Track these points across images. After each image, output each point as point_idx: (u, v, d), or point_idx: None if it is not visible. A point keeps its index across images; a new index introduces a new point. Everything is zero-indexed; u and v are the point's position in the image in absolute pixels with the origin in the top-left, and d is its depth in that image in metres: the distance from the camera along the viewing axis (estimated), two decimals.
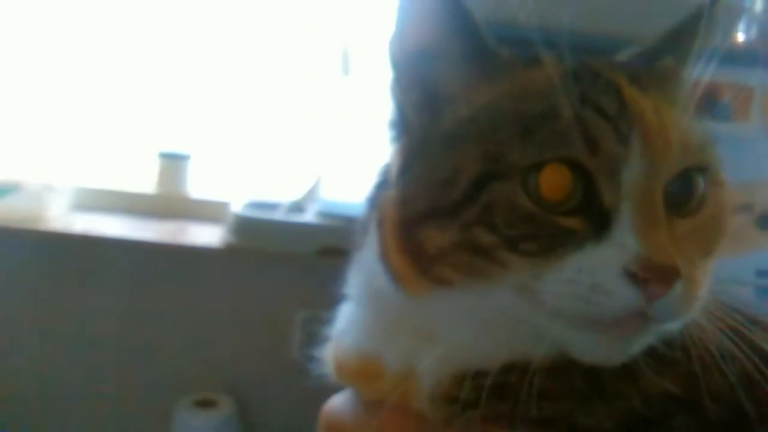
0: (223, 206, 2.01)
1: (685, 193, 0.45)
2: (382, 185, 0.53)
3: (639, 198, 0.42)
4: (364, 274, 0.53)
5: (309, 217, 1.90)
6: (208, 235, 1.95)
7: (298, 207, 1.94)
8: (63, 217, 1.98)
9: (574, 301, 0.41)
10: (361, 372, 0.52)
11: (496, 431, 0.45)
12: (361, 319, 0.54)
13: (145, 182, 2.14)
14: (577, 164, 0.42)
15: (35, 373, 2.00)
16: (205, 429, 1.91)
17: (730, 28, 1.63)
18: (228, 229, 1.89)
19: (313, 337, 0.59)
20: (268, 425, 2.00)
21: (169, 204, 2.10)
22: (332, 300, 0.58)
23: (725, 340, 0.43)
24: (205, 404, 1.93)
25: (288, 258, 1.86)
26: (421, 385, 0.47)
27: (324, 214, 1.89)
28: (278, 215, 1.90)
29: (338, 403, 0.55)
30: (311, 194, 1.98)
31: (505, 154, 0.43)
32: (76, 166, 2.08)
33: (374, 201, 0.53)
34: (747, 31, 1.60)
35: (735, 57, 1.74)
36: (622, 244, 0.41)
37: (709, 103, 1.77)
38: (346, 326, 0.56)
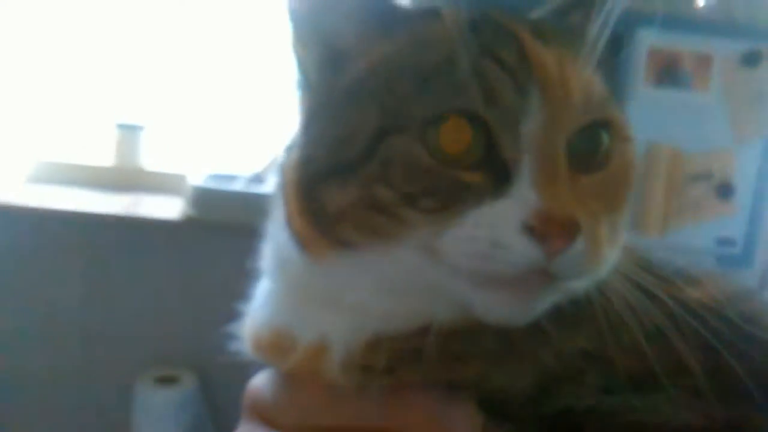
0: (180, 178, 1.98)
1: (589, 149, 0.44)
2: (290, 150, 0.51)
3: (539, 151, 0.41)
4: (273, 243, 0.52)
5: (270, 188, 1.87)
6: (165, 208, 1.91)
7: (258, 178, 1.91)
8: (18, 189, 1.93)
9: (474, 258, 0.40)
10: (275, 346, 0.50)
11: (408, 398, 0.44)
12: (273, 291, 0.53)
13: (101, 155, 2.09)
14: (476, 117, 0.41)
15: None
16: (167, 405, 1.89)
17: None
18: (187, 201, 1.86)
19: None
20: (230, 401, 1.97)
21: (126, 176, 2.06)
22: None
23: (635, 297, 0.43)
24: (166, 380, 1.91)
25: (249, 230, 1.82)
26: (332, 355, 0.46)
27: None
28: (238, 187, 1.87)
29: (260, 380, 0.53)
30: (272, 166, 1.96)
31: (403, 108, 0.42)
32: (30, 139, 2.03)
33: (282, 170, 0.52)
34: None
35: (694, 25, 1.75)
36: (521, 198, 0.40)
37: (670, 71, 1.78)
38: (261, 301, 0.54)
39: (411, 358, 0.43)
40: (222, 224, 1.83)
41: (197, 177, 1.89)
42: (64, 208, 1.87)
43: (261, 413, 0.50)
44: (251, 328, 0.54)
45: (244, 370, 0.51)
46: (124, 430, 1.89)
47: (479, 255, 0.40)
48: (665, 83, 1.76)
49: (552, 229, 0.39)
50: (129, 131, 2.07)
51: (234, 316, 0.56)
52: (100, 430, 1.98)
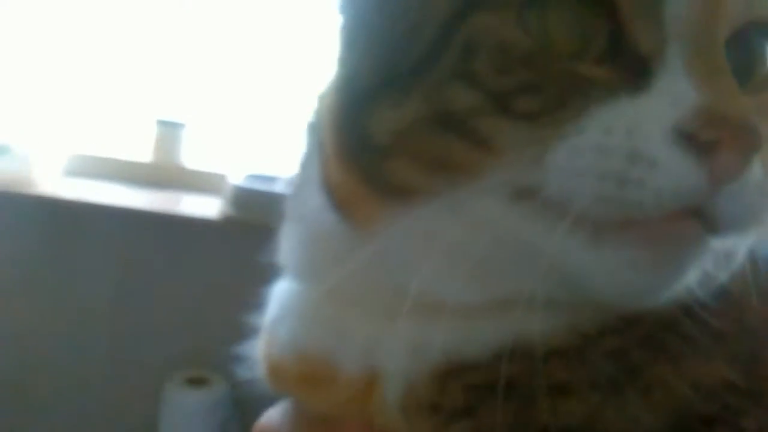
0: (219, 178, 1.95)
1: (747, 63, 0.33)
2: (323, 96, 0.41)
3: (694, 35, 0.29)
4: (299, 220, 0.41)
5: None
6: (203, 206, 1.88)
7: None
8: (54, 181, 1.90)
9: (601, 181, 0.27)
10: (305, 377, 0.39)
11: None
12: (299, 295, 0.41)
13: (141, 151, 2.07)
14: None
15: (20, 345, 1.92)
16: (196, 408, 1.84)
17: None
18: (226, 200, 1.82)
19: None
20: (261, 406, 1.93)
21: (165, 173, 2.03)
22: None
23: None
24: (196, 382, 1.87)
25: None
26: (387, 389, 0.35)
27: None
28: (278, 188, 1.83)
29: (274, 418, 0.43)
30: None
31: None
32: (69, 131, 2.01)
33: (314, 126, 0.41)
34: None
35: None
36: (671, 93, 0.28)
37: None
38: (282, 311, 0.42)
39: (495, 394, 0.31)
40: (261, 225, 1.77)
41: (237, 177, 1.86)
42: (100, 201, 1.83)
43: None
44: (268, 350, 0.42)
45: None
46: (151, 429, 1.85)
47: (608, 177, 0.27)
48: None
49: (722, 135, 0.26)
50: (169, 128, 2.04)
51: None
52: (127, 428, 1.93)
